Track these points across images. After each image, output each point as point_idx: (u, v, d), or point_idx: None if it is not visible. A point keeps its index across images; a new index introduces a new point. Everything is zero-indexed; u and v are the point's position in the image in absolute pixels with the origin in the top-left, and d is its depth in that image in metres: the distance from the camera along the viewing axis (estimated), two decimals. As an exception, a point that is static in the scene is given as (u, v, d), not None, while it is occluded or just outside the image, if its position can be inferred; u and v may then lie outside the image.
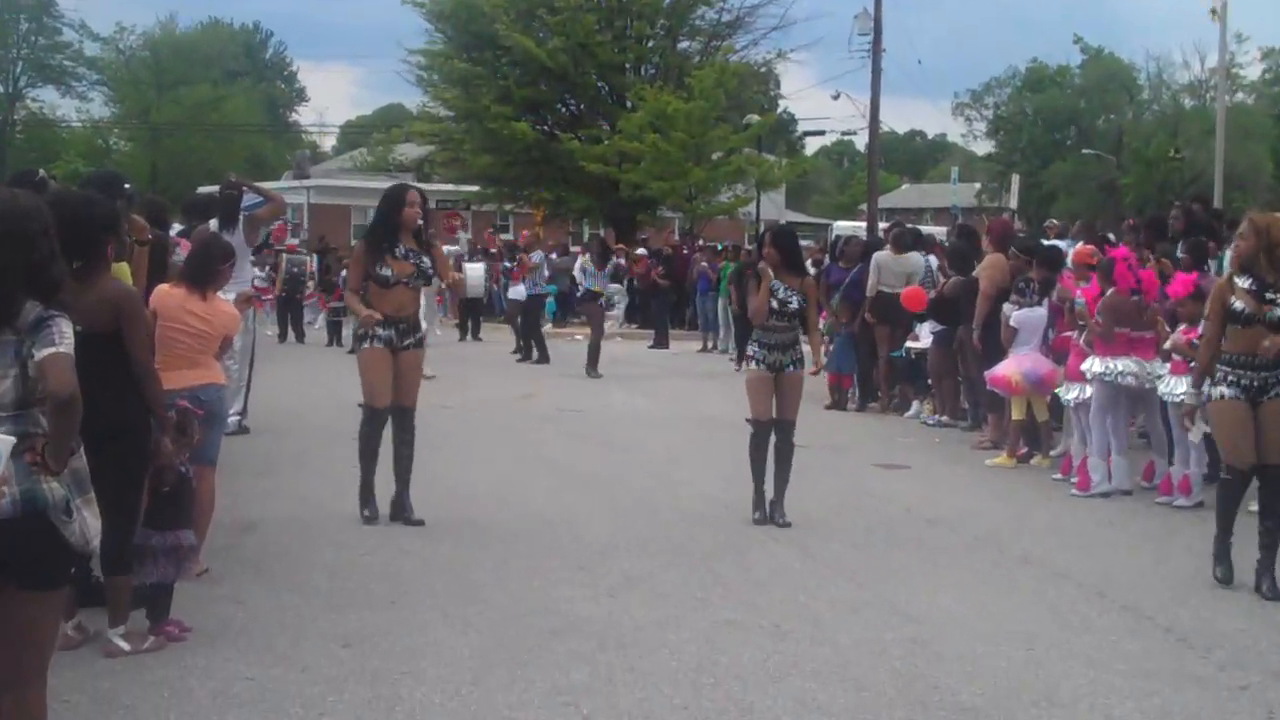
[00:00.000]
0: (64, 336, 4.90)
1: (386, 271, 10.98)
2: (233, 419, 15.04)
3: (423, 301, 22.27)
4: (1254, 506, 10.01)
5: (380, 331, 11.01)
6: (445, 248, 21.86)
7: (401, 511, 11.27)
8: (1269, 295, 9.49)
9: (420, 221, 11.29)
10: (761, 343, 11.61)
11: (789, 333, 11.61)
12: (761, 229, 27.10)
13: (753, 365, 11.73)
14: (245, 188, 16.12)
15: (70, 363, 4.88)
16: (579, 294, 25.93)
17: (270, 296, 31.23)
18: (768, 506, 11.61)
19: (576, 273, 31.65)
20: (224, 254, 9.24)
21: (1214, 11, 31.48)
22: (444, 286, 14.43)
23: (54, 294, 5.00)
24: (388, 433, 11.29)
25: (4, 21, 78.62)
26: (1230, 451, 9.83)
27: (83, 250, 6.89)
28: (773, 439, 11.65)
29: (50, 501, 4.94)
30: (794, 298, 11.55)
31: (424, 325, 21.89)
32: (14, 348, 4.88)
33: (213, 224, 15.03)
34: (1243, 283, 9.60)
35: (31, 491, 4.90)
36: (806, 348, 11.88)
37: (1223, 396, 9.66)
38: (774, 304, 11.52)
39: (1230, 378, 9.60)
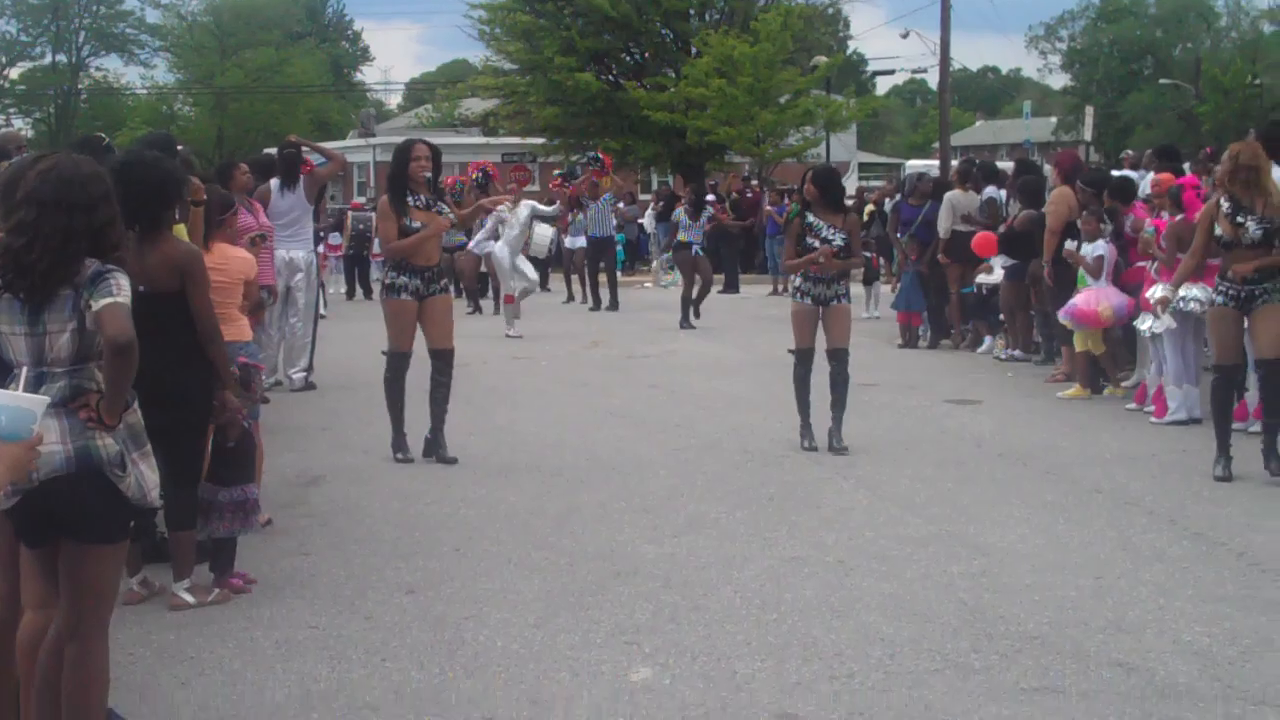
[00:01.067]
0: (121, 289, 5.00)
1: (416, 224, 11.37)
2: (299, 375, 15.28)
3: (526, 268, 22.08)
4: None
5: (407, 281, 11.46)
6: (543, 207, 23.22)
7: (435, 449, 11.71)
8: (1239, 219, 10.60)
9: (428, 174, 11.57)
10: (807, 276, 11.97)
11: (836, 270, 11.99)
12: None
13: (798, 298, 12.18)
14: (305, 147, 16.31)
15: (127, 311, 4.97)
16: (674, 244, 25.26)
17: (339, 254, 31.52)
18: (823, 434, 12.11)
19: (646, 222, 31.72)
20: (221, 204, 9.19)
21: None
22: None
23: (112, 253, 5.11)
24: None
25: (66, -9, 79.25)
26: (1220, 352, 10.99)
27: (147, 213, 7.14)
28: (829, 369, 12.10)
29: (104, 457, 5.03)
30: (836, 235, 11.87)
31: (522, 282, 21.71)
32: (72, 300, 4.98)
33: (274, 183, 15.19)
34: (1224, 206, 10.75)
35: (85, 448, 5.00)
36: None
37: (1214, 303, 11.06)
38: (816, 242, 11.85)
39: (1222, 288, 10.82)
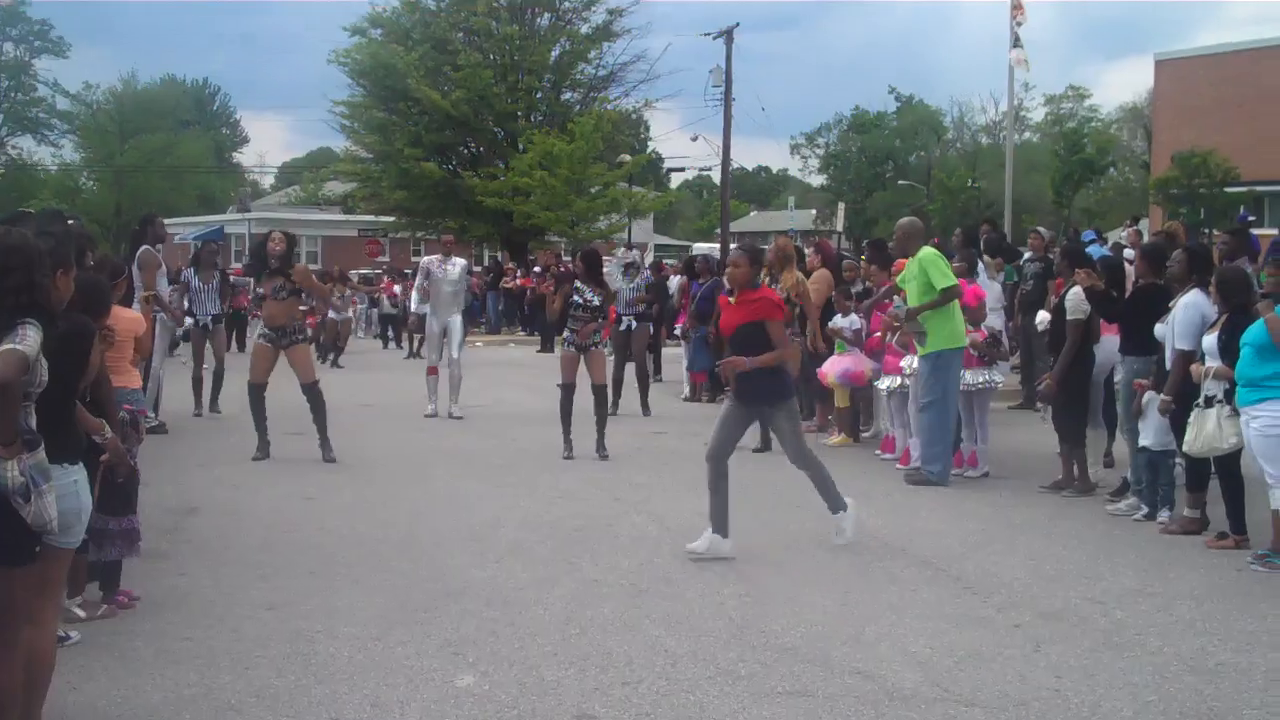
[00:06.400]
0: (25, 337, 4.88)
1: (261, 290, 13.37)
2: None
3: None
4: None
5: (267, 331, 13.33)
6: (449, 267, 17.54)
7: (326, 452, 13.27)
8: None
9: (279, 250, 13.28)
10: (571, 329, 13.96)
11: (590, 323, 13.88)
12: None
13: (565, 346, 14.14)
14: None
15: (17, 357, 4.83)
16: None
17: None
18: (592, 446, 13.79)
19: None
20: (112, 271, 8.98)
21: (1025, 62, 32.36)
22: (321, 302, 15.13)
23: (31, 310, 4.96)
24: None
25: (-15, 80, 77.26)
26: None
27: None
28: (593, 398, 13.92)
29: (9, 487, 4.88)
30: (595, 298, 13.87)
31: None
32: None
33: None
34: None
35: None
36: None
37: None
38: (580, 300, 13.85)
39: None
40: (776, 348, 9.22)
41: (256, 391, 13.30)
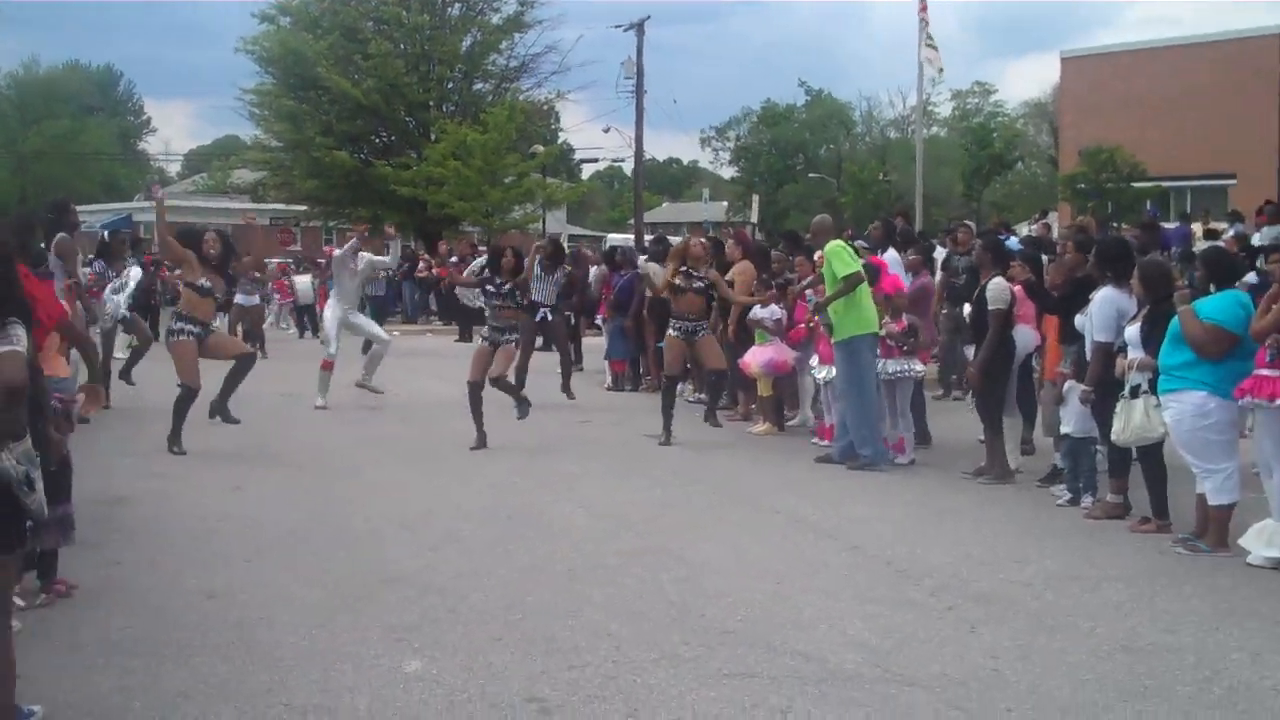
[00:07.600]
0: (19, 338, 4.96)
1: (204, 282, 13.08)
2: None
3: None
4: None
5: (189, 327, 13.02)
6: (375, 257, 17.84)
7: (221, 405, 13.51)
8: (692, 274, 14.14)
9: (213, 253, 13.09)
10: (490, 325, 13.95)
11: (509, 319, 13.83)
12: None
13: (480, 341, 14.29)
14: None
15: (19, 358, 4.90)
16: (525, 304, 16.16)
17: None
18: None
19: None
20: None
21: (938, 66, 33.55)
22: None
23: (9, 307, 5.02)
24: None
25: (-122, 61, 75.67)
26: (669, 366, 14.60)
27: None
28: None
29: (13, 477, 4.98)
30: (504, 286, 13.74)
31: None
32: None
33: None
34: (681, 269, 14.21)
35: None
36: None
37: (669, 335, 14.42)
38: (493, 289, 13.77)
39: (677, 325, 14.24)
40: None
41: (190, 398, 12.92)
